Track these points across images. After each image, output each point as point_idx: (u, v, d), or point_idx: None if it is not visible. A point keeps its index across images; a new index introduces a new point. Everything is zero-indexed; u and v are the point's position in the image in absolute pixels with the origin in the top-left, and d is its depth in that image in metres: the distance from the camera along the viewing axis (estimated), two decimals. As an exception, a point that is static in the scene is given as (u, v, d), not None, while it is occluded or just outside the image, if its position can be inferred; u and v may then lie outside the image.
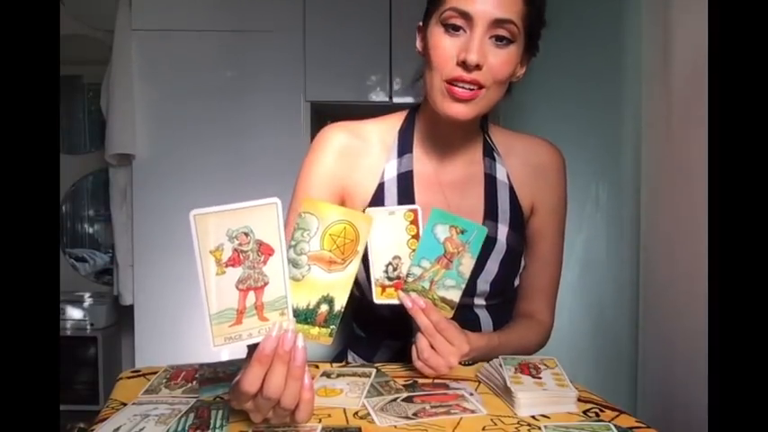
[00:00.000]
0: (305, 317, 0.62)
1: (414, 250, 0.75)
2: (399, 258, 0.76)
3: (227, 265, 0.56)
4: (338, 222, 0.64)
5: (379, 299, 0.77)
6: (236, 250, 0.56)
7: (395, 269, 0.76)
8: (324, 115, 2.66)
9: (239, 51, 2.48)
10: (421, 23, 0.88)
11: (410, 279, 0.75)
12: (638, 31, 1.16)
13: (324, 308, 0.63)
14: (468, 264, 0.75)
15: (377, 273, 0.76)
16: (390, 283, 0.76)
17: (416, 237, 0.75)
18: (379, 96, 2.54)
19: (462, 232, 0.75)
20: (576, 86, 1.62)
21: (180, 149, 2.47)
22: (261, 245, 0.57)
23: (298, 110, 2.50)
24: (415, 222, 0.76)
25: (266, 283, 0.58)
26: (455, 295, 0.76)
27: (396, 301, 0.76)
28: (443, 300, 0.76)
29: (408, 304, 0.74)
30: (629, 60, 1.28)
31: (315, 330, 0.63)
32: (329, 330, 0.64)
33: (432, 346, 0.75)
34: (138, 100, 2.46)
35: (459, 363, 0.77)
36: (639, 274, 1.15)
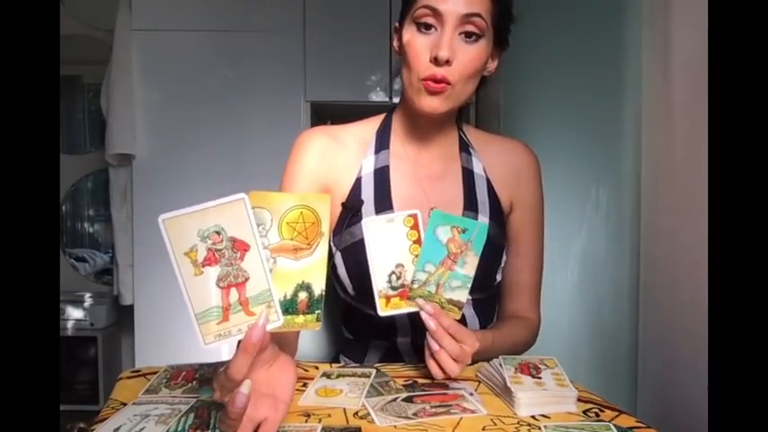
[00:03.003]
0: (285, 308, 0.62)
1: (417, 256, 0.74)
2: (402, 266, 0.74)
3: (203, 265, 0.56)
4: (293, 209, 0.63)
5: (384, 311, 0.74)
6: (210, 249, 0.56)
7: (398, 277, 0.74)
8: (324, 115, 2.65)
9: (239, 51, 2.47)
10: (398, 24, 0.92)
11: (415, 285, 0.74)
12: (638, 31, 1.16)
13: (303, 295, 0.63)
14: (472, 262, 0.75)
15: (380, 284, 0.73)
16: (395, 292, 0.74)
17: (418, 242, 0.74)
18: (379, 96, 2.54)
19: (463, 231, 0.75)
20: (576, 86, 1.62)
21: (180, 149, 2.46)
22: (234, 241, 0.57)
23: (298, 110, 2.50)
24: (415, 227, 0.74)
25: (247, 279, 0.58)
26: (462, 295, 0.75)
27: (402, 311, 0.74)
28: (451, 302, 0.75)
29: (429, 310, 0.73)
30: (629, 60, 1.28)
31: (300, 319, 0.63)
32: (315, 316, 0.63)
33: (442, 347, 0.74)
34: (138, 100, 2.46)
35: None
36: (639, 274, 1.15)
